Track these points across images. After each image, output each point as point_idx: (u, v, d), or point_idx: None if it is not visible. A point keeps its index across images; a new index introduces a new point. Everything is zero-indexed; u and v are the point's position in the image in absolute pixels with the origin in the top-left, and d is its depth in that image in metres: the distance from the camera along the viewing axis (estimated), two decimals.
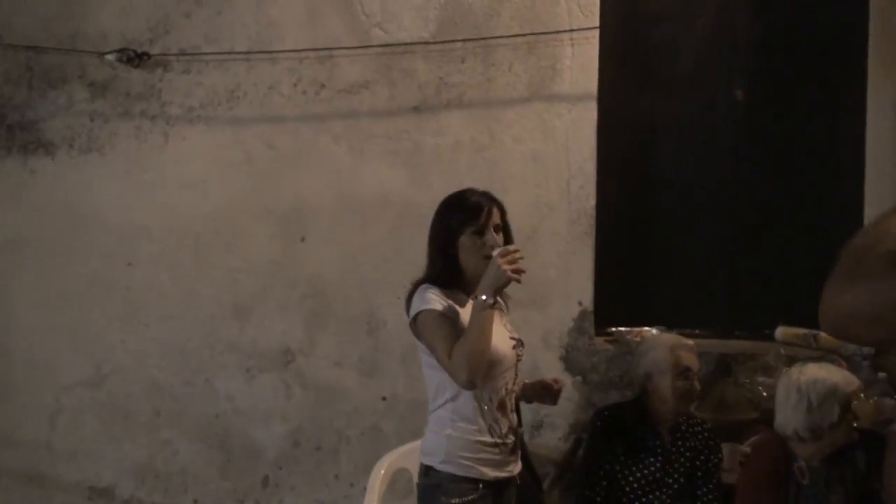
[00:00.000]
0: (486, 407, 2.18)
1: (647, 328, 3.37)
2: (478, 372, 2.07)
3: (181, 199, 3.40)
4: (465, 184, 2.51)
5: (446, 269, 2.19)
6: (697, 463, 2.70)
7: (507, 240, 2.23)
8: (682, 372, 2.67)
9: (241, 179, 3.39)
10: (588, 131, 3.30)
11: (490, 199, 2.22)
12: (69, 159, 3.42)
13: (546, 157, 3.31)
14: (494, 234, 2.19)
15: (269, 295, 3.40)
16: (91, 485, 3.43)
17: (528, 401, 2.41)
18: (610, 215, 3.43)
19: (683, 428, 2.73)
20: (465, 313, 2.17)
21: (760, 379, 3.16)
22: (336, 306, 3.38)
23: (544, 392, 2.35)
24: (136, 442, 3.43)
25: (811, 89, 3.45)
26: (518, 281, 2.09)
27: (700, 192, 3.55)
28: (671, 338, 2.80)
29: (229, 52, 3.35)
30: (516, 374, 2.27)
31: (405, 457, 2.73)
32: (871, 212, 3.46)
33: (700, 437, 2.74)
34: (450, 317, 2.14)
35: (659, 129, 3.55)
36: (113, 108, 3.39)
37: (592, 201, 3.32)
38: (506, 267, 2.06)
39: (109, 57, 3.33)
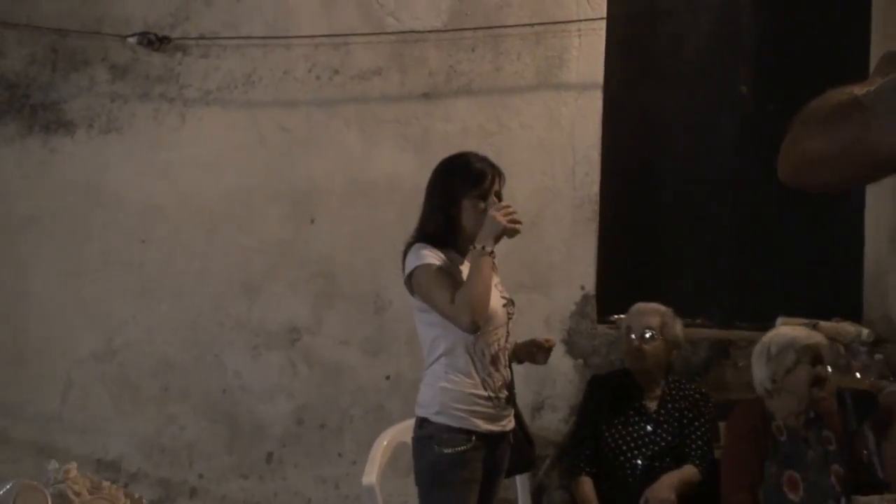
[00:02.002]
0: (479, 361, 2.27)
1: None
2: (481, 315, 2.16)
3: (196, 179, 3.54)
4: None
5: (443, 228, 2.29)
6: (685, 422, 2.90)
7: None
8: (630, 333, 2.95)
9: (255, 161, 3.53)
10: (593, 120, 3.46)
11: (492, 167, 2.37)
12: (88, 139, 3.59)
13: (552, 145, 3.46)
14: (496, 199, 2.33)
15: (278, 274, 3.53)
16: (99, 457, 3.56)
17: (520, 361, 2.51)
18: (614, 203, 3.56)
19: (673, 391, 2.95)
20: (462, 271, 2.28)
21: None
22: (343, 286, 3.51)
23: (536, 350, 2.45)
24: (145, 416, 3.54)
25: (815, 85, 3.53)
26: (517, 231, 2.23)
27: (703, 183, 3.68)
28: (638, 307, 3.05)
29: (246, 38, 3.52)
30: (508, 333, 2.38)
31: (407, 432, 2.78)
32: (872, 203, 3.58)
33: (689, 398, 2.94)
34: (447, 270, 2.25)
35: (663, 120, 3.68)
36: (133, 90, 3.57)
37: (596, 188, 3.47)
38: (501, 218, 2.20)
39: (131, 40, 3.53)
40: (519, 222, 2.24)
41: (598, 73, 3.45)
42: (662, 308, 3.02)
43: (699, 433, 2.91)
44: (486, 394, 2.28)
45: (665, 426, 2.90)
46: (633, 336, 2.96)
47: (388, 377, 3.47)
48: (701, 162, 3.69)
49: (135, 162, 3.56)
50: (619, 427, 2.90)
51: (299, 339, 3.53)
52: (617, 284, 3.53)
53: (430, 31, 3.45)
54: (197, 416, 3.54)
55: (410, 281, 2.28)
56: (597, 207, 3.45)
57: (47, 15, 3.58)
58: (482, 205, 2.28)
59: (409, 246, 2.32)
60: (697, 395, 2.98)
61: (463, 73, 3.48)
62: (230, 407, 3.53)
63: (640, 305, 3.05)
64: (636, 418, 2.90)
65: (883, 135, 1.02)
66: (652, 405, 2.94)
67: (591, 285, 3.45)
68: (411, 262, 2.26)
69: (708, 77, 3.67)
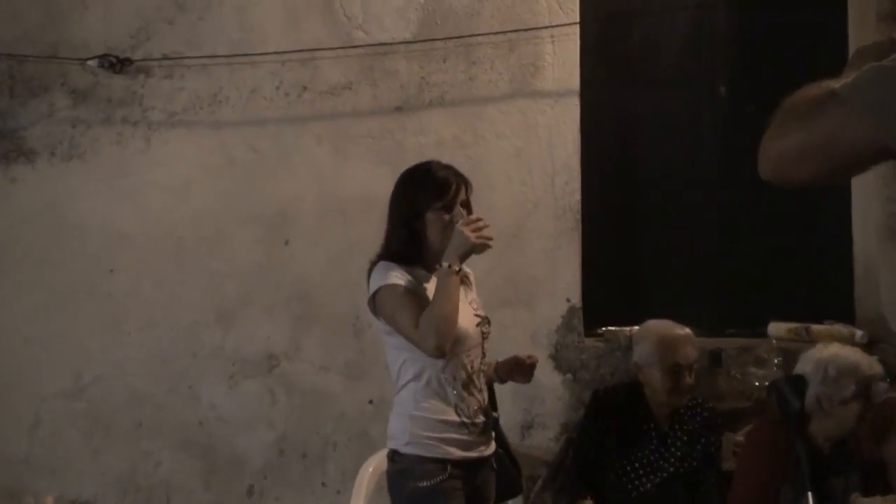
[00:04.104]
0: (450, 386, 2.21)
1: (637, 327, 3.48)
2: (447, 338, 2.11)
3: (163, 203, 3.51)
4: None
5: (408, 244, 2.25)
6: (698, 447, 2.80)
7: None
8: (672, 367, 2.74)
9: (224, 183, 3.52)
10: (571, 127, 3.51)
11: (457, 175, 2.31)
12: (50, 167, 3.55)
13: (530, 154, 3.50)
14: (462, 210, 2.26)
15: (252, 299, 3.51)
16: (72, 498, 3.50)
17: (502, 381, 2.45)
18: (596, 212, 3.60)
19: (682, 412, 2.83)
20: (429, 289, 2.22)
21: (752, 370, 3.33)
22: (321, 309, 3.49)
23: (516, 369, 2.39)
24: (118, 454, 3.49)
25: (793, 83, 3.58)
26: (487, 247, 2.18)
27: (687, 188, 3.75)
28: (662, 328, 2.87)
29: (211, 56, 3.50)
30: (483, 353, 2.32)
31: None
32: (858, 201, 3.60)
33: (699, 420, 2.84)
34: (413, 290, 2.19)
35: (642, 124, 3.74)
36: (94, 115, 3.52)
37: (577, 196, 3.50)
38: (469, 233, 2.14)
39: (91, 63, 3.51)
40: (489, 238, 2.18)
41: (573, 78, 3.50)
42: (687, 330, 2.83)
43: (711, 469, 2.79)
44: (458, 420, 2.22)
45: (677, 448, 2.77)
46: (672, 371, 2.72)
47: (371, 402, 3.45)
48: (683, 165, 3.74)
49: (99, 188, 3.51)
50: (627, 447, 2.76)
51: (277, 365, 3.51)
52: (603, 295, 3.57)
53: (399, 43, 3.48)
54: (173, 452, 3.49)
55: (374, 302, 2.25)
56: (579, 217, 3.48)
57: (2, 40, 3.55)
58: (447, 216, 2.23)
59: (373, 264, 2.29)
60: (706, 413, 2.86)
61: (435, 84, 3.51)
62: (207, 440, 3.50)
63: (665, 329, 2.82)
64: (645, 438, 2.77)
65: (861, 125, 1.06)
66: (664, 425, 2.81)
67: (576, 297, 3.48)
68: (375, 282, 2.23)
69: (686, 78, 3.75)
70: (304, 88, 3.52)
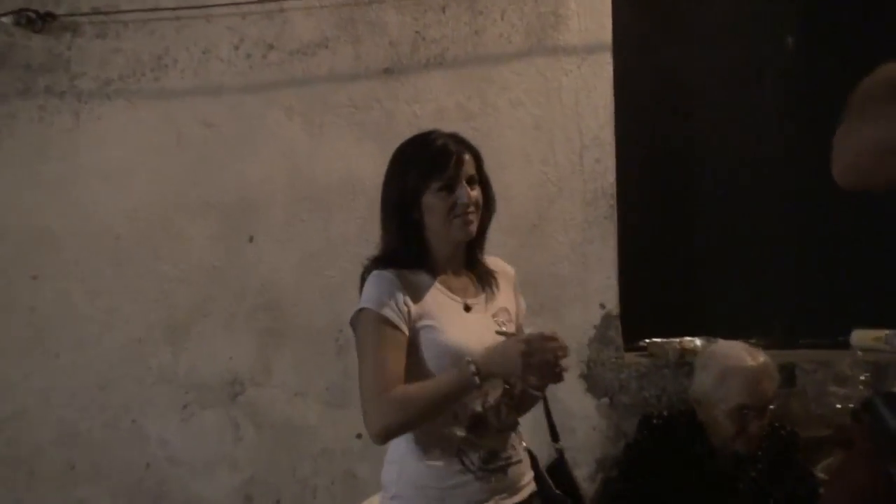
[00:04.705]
0: (453, 427, 2.09)
1: (689, 338, 3.41)
2: (397, 434, 2.04)
3: (97, 194, 3.42)
4: None
5: (406, 243, 2.12)
6: (775, 487, 2.70)
7: (487, 197, 2.14)
8: (738, 409, 2.63)
9: (172, 167, 3.42)
10: (603, 91, 3.37)
11: (459, 143, 2.14)
12: None
13: (552, 125, 3.36)
14: (469, 188, 2.09)
15: (210, 310, 3.42)
16: None
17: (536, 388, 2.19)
18: (635, 196, 3.47)
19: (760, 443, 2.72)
20: (430, 303, 2.09)
21: (832, 390, 3.23)
22: (295, 322, 3.41)
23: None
24: (45, 503, 3.40)
25: (880, 32, 3.45)
26: (552, 381, 2.01)
27: (747, 165, 3.61)
28: (730, 355, 2.72)
29: (154, 9, 3.40)
30: (507, 384, 2.14)
31: None
32: None
33: (775, 447, 2.73)
34: (394, 335, 2.05)
35: (691, 87, 3.62)
36: (10, 85, 3.40)
37: (612, 178, 3.37)
38: (518, 357, 1.94)
39: (5, 20, 3.34)
40: (562, 369, 1.98)
41: (604, 30, 3.37)
42: (764, 359, 2.67)
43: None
44: (459, 468, 2.09)
45: (749, 493, 2.69)
46: (736, 414, 2.61)
47: (358, 436, 3.34)
48: (742, 140, 3.62)
49: (17, 176, 3.41)
50: (686, 492, 2.66)
51: (242, 392, 3.43)
52: (646, 299, 3.46)
53: None
54: (115, 499, 3.41)
55: (355, 326, 2.12)
56: (614, 202, 3.37)
57: None
58: (450, 197, 2.06)
59: (365, 270, 2.15)
60: (785, 439, 2.75)
61: (433, 40, 3.38)
62: (157, 486, 3.40)
63: (733, 358, 2.68)
64: (710, 481, 2.66)
65: None
66: (727, 464, 2.71)
67: (612, 302, 3.37)
68: (362, 298, 2.10)
69: (745, 28, 3.61)
70: (270, 47, 3.41)
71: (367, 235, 3.18)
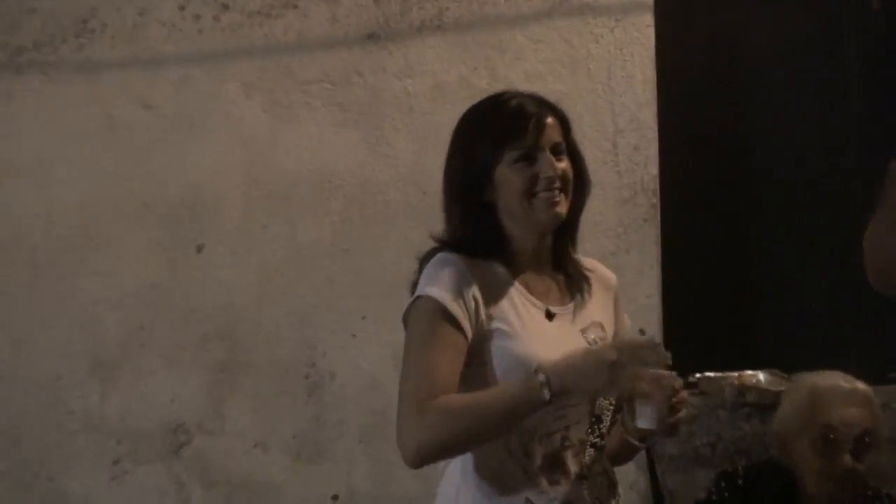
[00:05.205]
0: (518, 462, 2.00)
1: (750, 372, 3.37)
2: (436, 457, 1.96)
3: (6, 193, 3.36)
4: None
5: (477, 229, 2.04)
6: None
7: (578, 171, 2.03)
8: (822, 434, 2.58)
9: (103, 159, 3.36)
10: (643, 61, 3.35)
11: (541, 104, 2.05)
12: None
13: (579, 103, 3.29)
14: (554, 159, 1.99)
15: (148, 340, 3.35)
16: None
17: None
18: (683, 194, 3.45)
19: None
20: (505, 304, 2.02)
21: None
22: (255, 354, 3.36)
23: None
24: None
25: None
26: (661, 431, 1.93)
27: (820, 156, 3.61)
28: (820, 378, 2.71)
29: None
30: (595, 416, 2.06)
31: None
32: None
33: None
34: (456, 323, 1.98)
35: (750, 56, 3.62)
36: None
37: (654, 170, 3.35)
38: (627, 377, 1.87)
39: None
40: (680, 419, 1.92)
41: None
42: (860, 385, 2.65)
43: None
44: None
45: None
46: (827, 445, 2.59)
47: (334, 497, 3.32)
48: (814, 121, 3.61)
49: None
50: None
51: (188, 442, 3.34)
52: (695, 323, 3.44)
53: None
54: None
55: (409, 313, 2.04)
56: (656, 201, 3.35)
57: None
58: (530, 170, 1.98)
59: (428, 254, 2.08)
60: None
61: None
62: None
63: (826, 382, 2.68)
64: None
65: None
66: None
67: (655, 325, 3.34)
68: (421, 284, 2.03)
69: None
70: (225, 8, 3.36)
71: (345, 244, 3.31)
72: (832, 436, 2.56)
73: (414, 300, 2.02)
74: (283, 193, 3.34)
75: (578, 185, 2.04)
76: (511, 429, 1.96)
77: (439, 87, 3.32)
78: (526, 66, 3.33)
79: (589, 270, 2.12)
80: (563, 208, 1.99)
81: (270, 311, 3.34)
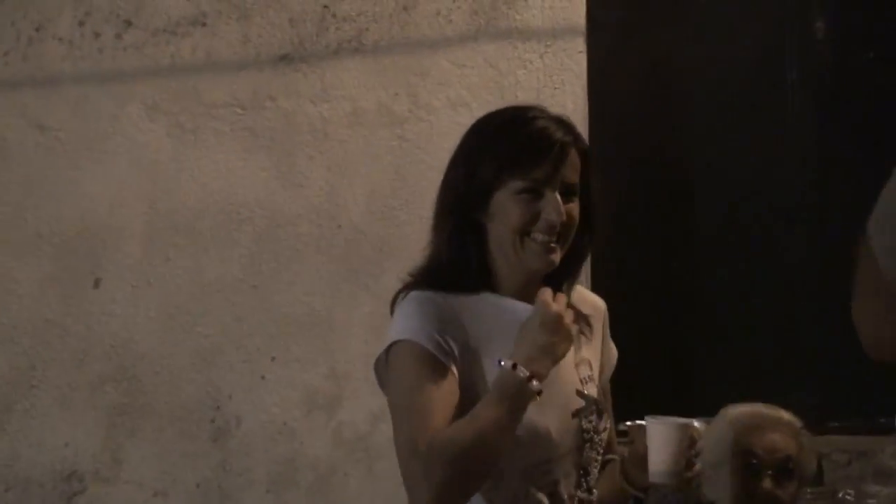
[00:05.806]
0: (524, 490, 1.94)
1: (684, 420, 3.34)
2: (455, 497, 1.84)
3: None
4: (375, 183, 2.99)
5: (462, 251, 1.94)
6: None
7: (588, 216, 1.92)
8: (744, 462, 2.61)
9: None
10: (574, 89, 3.32)
11: (568, 133, 1.91)
12: None
13: None
14: (561, 201, 1.86)
15: (39, 380, 3.29)
16: None
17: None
18: (615, 226, 3.37)
19: None
20: (496, 333, 1.97)
21: (873, 489, 3.19)
22: (156, 396, 3.30)
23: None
24: None
25: None
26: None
27: (765, 186, 3.59)
28: (742, 408, 2.76)
29: None
30: (586, 463, 2.01)
31: None
32: None
33: None
34: (440, 363, 1.88)
35: (688, 82, 3.63)
36: None
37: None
38: (552, 304, 1.82)
39: None
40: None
41: (576, 10, 3.31)
42: (785, 414, 2.70)
43: None
44: None
45: None
46: (749, 470, 2.61)
47: None
48: (756, 151, 3.59)
49: None
50: None
51: (82, 490, 3.26)
52: (626, 369, 3.21)
53: None
54: None
55: (386, 363, 1.96)
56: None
57: None
58: (534, 205, 1.87)
59: (398, 293, 1.98)
60: None
61: (347, 17, 3.31)
62: None
63: (749, 410, 2.73)
64: None
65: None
66: None
67: None
68: (392, 329, 1.94)
69: (761, 11, 3.59)
70: (128, 25, 3.32)
71: (254, 279, 3.27)
72: (754, 461, 2.60)
73: (388, 348, 1.94)
74: (187, 224, 3.28)
75: (585, 230, 1.94)
76: (510, 434, 1.86)
77: (357, 112, 3.28)
78: (450, 91, 3.28)
79: (582, 308, 2.03)
80: (557, 256, 1.88)
81: (173, 351, 3.28)
